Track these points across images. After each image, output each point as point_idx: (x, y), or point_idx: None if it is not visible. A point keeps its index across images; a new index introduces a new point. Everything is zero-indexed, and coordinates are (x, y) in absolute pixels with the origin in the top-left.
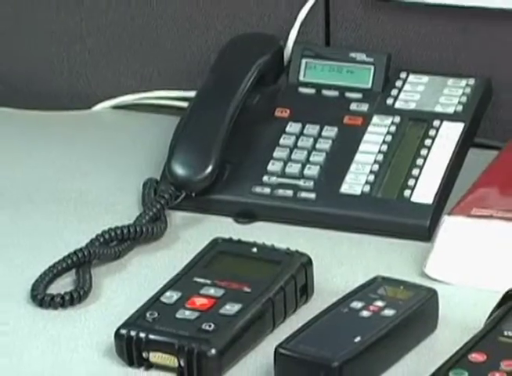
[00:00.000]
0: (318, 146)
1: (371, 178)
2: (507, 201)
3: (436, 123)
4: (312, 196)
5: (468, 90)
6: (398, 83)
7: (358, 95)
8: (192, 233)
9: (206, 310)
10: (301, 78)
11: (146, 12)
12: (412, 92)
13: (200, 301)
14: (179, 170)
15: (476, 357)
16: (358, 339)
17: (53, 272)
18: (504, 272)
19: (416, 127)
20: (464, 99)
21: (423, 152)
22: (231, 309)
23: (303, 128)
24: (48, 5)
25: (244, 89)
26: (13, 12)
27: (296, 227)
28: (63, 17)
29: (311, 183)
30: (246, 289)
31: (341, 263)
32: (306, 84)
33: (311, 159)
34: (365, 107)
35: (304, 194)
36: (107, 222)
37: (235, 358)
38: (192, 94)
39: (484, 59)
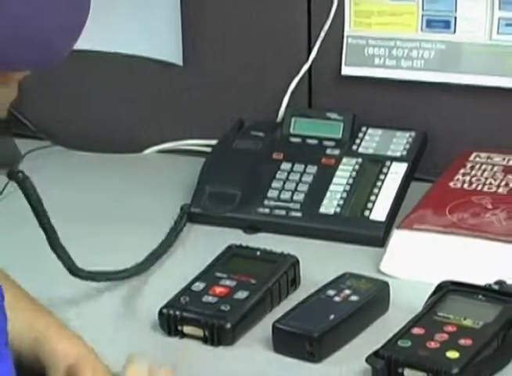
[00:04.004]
0: (303, 179)
1: (341, 202)
2: (439, 219)
3: (387, 163)
4: (299, 215)
5: (410, 140)
6: (361, 134)
7: (332, 143)
8: (214, 241)
9: (223, 296)
10: (291, 131)
11: (180, 85)
12: (371, 141)
13: (219, 290)
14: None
15: (417, 331)
16: (332, 317)
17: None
18: (437, 269)
19: (373, 166)
20: (408, 146)
21: (378, 184)
22: (241, 295)
23: (292, 166)
24: (107, 79)
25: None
26: (88, 84)
27: (288, 237)
28: (121, 88)
29: (298, 206)
30: (252, 281)
31: (320, 263)
32: (295, 135)
33: (298, 188)
34: (337, 152)
35: (293, 213)
36: (153, 234)
37: (244, 330)
38: (213, 142)
39: (422, 118)
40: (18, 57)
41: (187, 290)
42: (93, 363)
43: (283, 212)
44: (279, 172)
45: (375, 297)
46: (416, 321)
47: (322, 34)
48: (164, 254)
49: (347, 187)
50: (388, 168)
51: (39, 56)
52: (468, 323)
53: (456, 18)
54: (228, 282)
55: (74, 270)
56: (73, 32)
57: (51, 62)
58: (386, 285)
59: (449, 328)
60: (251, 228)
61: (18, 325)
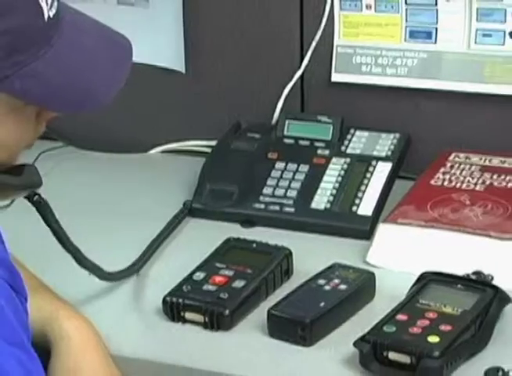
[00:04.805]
0: (296, 177)
1: (331, 198)
2: (421, 214)
3: (374, 162)
4: (292, 210)
5: (395, 141)
6: (349, 136)
7: (322, 144)
8: (213, 234)
9: (222, 285)
10: (285, 133)
11: (182, 90)
12: (358, 142)
13: (218, 279)
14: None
15: (401, 317)
16: (322, 304)
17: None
18: (419, 261)
19: (361, 165)
20: (392, 147)
21: (365, 181)
22: (239, 284)
23: (286, 165)
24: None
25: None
26: None
27: (282, 230)
28: (128, 94)
29: (291, 201)
30: (249, 271)
31: (311, 254)
32: (288, 137)
33: (291, 186)
34: (327, 152)
35: (286, 209)
36: (158, 227)
37: (241, 316)
38: (213, 143)
39: (406, 121)
40: (61, 100)
41: (189, 279)
42: (99, 348)
43: (277, 208)
44: (273, 171)
45: (362, 286)
46: (399, 308)
47: (314, 44)
48: (161, 245)
49: (337, 185)
50: (374, 167)
51: (80, 102)
52: (448, 310)
53: (436, 29)
54: (226, 272)
55: (106, 277)
56: (114, 85)
57: (89, 109)
58: (372, 275)
59: (431, 315)
60: (248, 222)
61: (29, 307)
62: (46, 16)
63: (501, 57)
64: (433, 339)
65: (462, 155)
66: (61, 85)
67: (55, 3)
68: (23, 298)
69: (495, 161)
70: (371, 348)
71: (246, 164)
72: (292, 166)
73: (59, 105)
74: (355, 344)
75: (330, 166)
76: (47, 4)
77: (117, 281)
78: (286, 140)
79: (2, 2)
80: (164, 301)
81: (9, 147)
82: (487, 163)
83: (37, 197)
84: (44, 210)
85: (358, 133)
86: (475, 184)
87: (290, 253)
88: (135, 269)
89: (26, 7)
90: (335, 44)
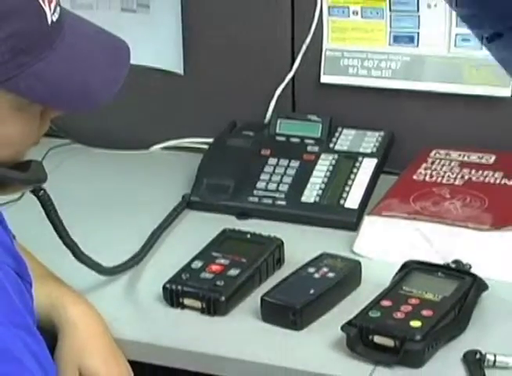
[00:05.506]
0: (287, 172)
1: (320, 192)
2: (404, 207)
3: (360, 159)
4: (284, 203)
5: (380, 138)
6: (337, 134)
7: (312, 142)
8: (210, 225)
9: (218, 273)
10: (277, 131)
11: (181, 91)
12: (345, 139)
13: (215, 267)
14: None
15: (385, 303)
16: (312, 291)
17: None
18: (402, 250)
19: (348, 161)
20: (377, 144)
21: (352, 176)
22: (234, 272)
23: (278, 161)
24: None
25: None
26: None
27: (274, 222)
28: (130, 95)
29: (283, 195)
30: (243, 260)
31: (302, 244)
32: (280, 135)
33: (283, 180)
34: (316, 149)
35: (278, 202)
36: (158, 218)
37: (236, 303)
38: (210, 140)
39: (390, 120)
40: (63, 100)
41: (187, 267)
42: (103, 332)
43: (270, 201)
44: (266, 166)
45: (349, 274)
46: (384, 295)
47: (304, 47)
48: (161, 235)
49: (325, 179)
50: (360, 162)
51: (80, 101)
52: (429, 296)
53: (418, 34)
54: (222, 261)
55: (102, 270)
56: (113, 86)
57: (89, 108)
58: (358, 264)
59: (413, 301)
60: (243, 214)
61: (36, 292)
62: (49, 21)
63: (479, 60)
64: (415, 324)
65: (442, 152)
66: (62, 86)
67: (58, 9)
68: (28, 283)
69: (474, 157)
70: (357, 332)
71: (241, 160)
72: (284, 162)
73: (62, 104)
74: (342, 328)
75: (319, 162)
76: (50, 9)
77: (117, 275)
78: (278, 138)
79: (7, 7)
80: (164, 288)
81: (16, 144)
82: (466, 159)
83: (42, 192)
84: (47, 205)
85: (345, 131)
86: (455, 179)
87: (282, 243)
88: (132, 263)
89: (30, 12)
90: (324, 47)
